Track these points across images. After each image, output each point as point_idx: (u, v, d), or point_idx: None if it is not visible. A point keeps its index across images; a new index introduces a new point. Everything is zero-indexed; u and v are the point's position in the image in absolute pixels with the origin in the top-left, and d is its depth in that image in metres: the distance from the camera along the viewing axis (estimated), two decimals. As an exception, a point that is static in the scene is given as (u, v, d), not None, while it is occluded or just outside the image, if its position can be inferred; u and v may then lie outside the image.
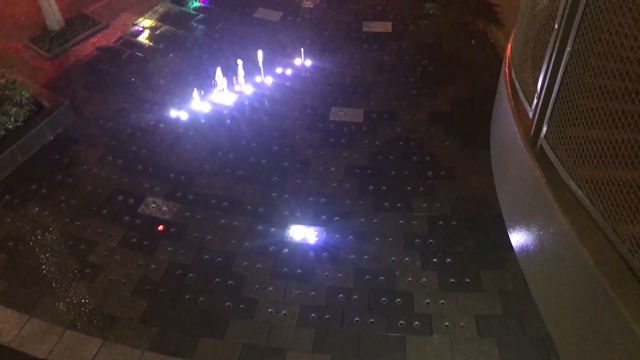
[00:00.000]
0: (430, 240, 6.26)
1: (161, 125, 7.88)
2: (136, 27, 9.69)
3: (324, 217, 6.58)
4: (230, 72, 8.37)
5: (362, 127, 7.82)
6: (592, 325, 2.75)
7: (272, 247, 6.26)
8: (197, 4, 10.26)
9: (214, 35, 9.54)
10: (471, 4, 10.03)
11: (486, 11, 9.77)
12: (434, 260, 6.05)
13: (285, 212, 6.65)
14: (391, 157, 7.33)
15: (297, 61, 8.90)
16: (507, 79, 4.34)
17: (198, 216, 6.63)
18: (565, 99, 3.20)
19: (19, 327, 5.46)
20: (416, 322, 5.50)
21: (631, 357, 2.41)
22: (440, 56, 9.04)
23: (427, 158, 7.29)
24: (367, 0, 10.34)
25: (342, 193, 6.88)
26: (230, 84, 8.37)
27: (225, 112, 8.09)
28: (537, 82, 3.52)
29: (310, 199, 6.82)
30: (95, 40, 9.35)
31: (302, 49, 8.88)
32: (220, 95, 8.26)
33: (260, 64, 8.50)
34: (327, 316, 5.59)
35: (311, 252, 6.20)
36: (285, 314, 5.63)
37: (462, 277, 5.87)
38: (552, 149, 3.34)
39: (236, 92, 8.36)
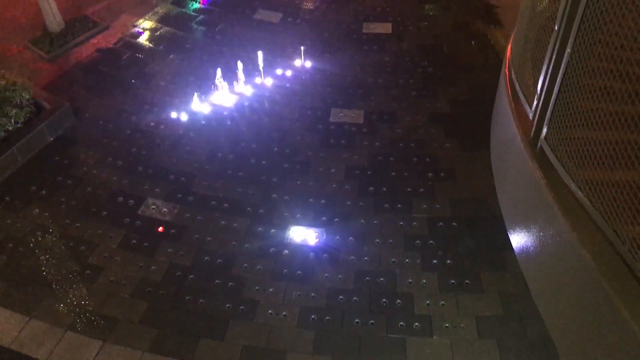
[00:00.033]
0: (431, 242, 6.25)
1: (161, 127, 7.88)
2: (136, 29, 9.70)
3: (324, 218, 6.58)
4: (230, 74, 8.37)
5: (362, 128, 7.82)
6: (592, 326, 2.75)
7: (272, 249, 6.26)
8: (197, 6, 10.26)
9: (214, 37, 9.55)
10: (471, 5, 10.03)
11: (486, 12, 9.77)
12: (434, 261, 6.04)
13: (286, 214, 6.65)
14: (391, 158, 7.33)
15: (297, 62, 8.90)
16: (507, 80, 4.34)
17: (198, 217, 6.63)
18: (565, 100, 3.20)
19: (19, 328, 5.46)
20: (416, 324, 5.49)
21: (631, 357, 2.41)
22: (440, 57, 9.04)
23: (427, 159, 7.29)
24: (367, 1, 10.34)
25: (342, 194, 6.88)
26: (231, 86, 8.37)
27: (225, 113, 8.09)
28: (537, 83, 3.52)
29: (311, 200, 6.82)
30: (96, 41, 9.34)
31: (302, 50, 8.89)
32: (220, 97, 8.26)
33: (260, 65, 8.51)
34: (327, 317, 5.59)
35: (311, 254, 6.20)
36: (285, 315, 5.63)
37: (463, 278, 5.87)
38: (552, 150, 3.34)
39: (236, 94, 8.36)
